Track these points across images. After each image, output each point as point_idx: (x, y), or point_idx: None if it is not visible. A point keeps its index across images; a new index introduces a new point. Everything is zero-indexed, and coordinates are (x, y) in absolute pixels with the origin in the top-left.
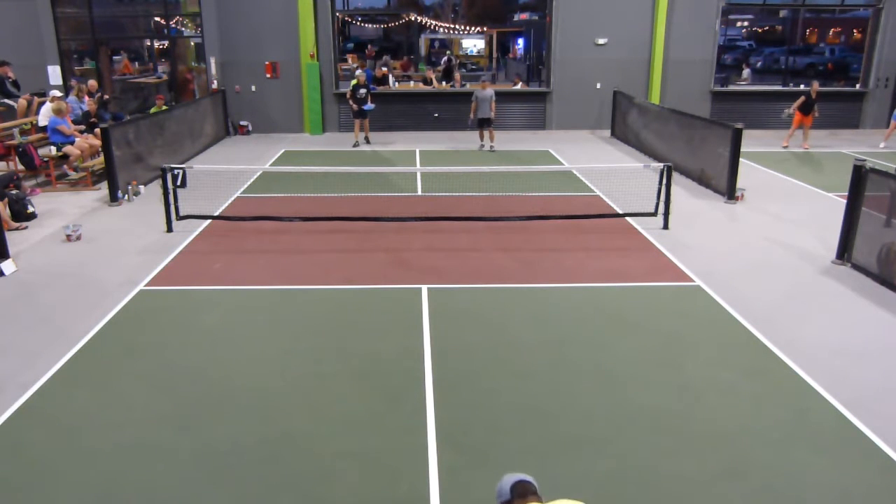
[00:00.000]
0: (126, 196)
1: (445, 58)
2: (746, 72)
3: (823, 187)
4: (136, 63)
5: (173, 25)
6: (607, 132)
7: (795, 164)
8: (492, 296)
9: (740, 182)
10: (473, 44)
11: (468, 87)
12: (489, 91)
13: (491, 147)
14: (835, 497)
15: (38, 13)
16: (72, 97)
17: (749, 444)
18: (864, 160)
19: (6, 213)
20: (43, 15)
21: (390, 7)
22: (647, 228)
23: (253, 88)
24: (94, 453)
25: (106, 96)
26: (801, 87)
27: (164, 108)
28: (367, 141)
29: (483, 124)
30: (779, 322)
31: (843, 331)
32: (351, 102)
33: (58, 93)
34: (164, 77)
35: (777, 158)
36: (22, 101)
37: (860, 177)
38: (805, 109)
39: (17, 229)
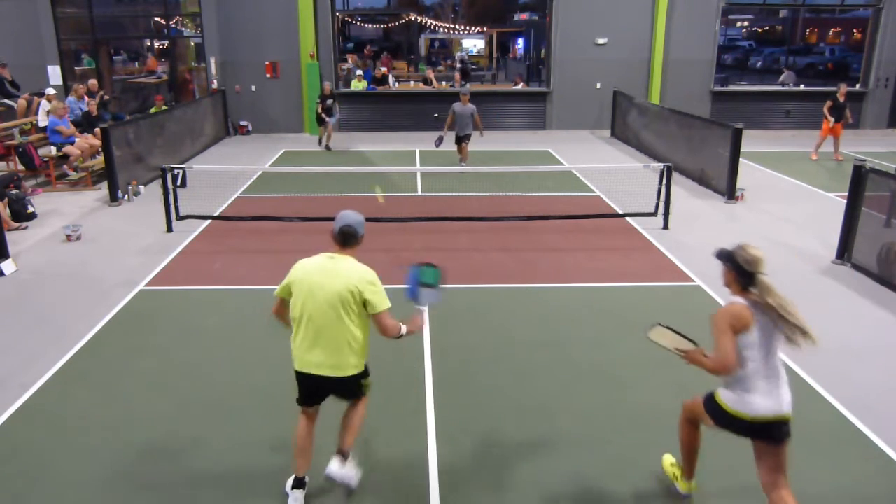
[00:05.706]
0: (126, 196)
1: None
2: (787, 75)
3: (823, 187)
4: (137, 63)
5: (173, 25)
6: (607, 132)
7: (795, 164)
8: (492, 296)
9: (740, 182)
10: (473, 44)
11: (468, 87)
12: (470, 107)
13: (462, 164)
14: (835, 497)
15: (38, 13)
16: (71, 97)
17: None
18: (864, 160)
19: (6, 213)
20: (43, 15)
21: (390, 7)
22: (647, 228)
23: (253, 88)
24: (94, 453)
25: (106, 96)
26: (802, 86)
27: (164, 108)
28: (328, 148)
29: (461, 139)
30: None
31: (843, 331)
32: (319, 109)
33: (52, 90)
34: (164, 77)
35: (777, 158)
36: (22, 101)
37: (860, 177)
38: (836, 115)
39: (17, 229)
